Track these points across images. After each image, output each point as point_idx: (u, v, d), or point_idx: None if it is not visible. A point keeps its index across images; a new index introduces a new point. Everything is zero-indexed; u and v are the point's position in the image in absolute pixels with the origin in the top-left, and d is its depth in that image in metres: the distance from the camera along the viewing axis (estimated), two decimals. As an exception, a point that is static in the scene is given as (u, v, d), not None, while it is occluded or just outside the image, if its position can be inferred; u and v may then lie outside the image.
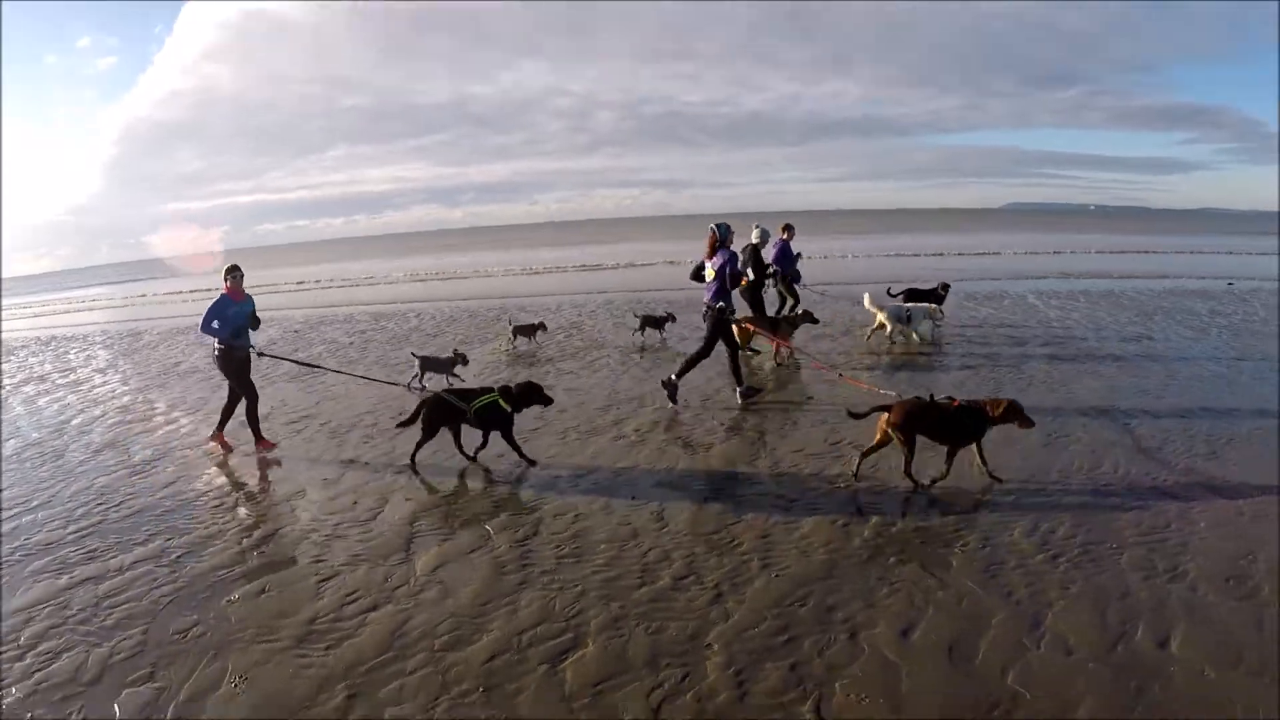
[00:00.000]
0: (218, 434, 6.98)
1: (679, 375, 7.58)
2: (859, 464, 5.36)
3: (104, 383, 10.85)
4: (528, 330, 11.26)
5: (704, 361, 7.62)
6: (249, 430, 6.88)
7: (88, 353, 14.39)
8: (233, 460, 6.66)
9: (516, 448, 5.97)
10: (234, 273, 6.70)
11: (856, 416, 5.36)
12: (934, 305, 10.56)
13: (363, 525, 4.93)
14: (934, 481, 5.09)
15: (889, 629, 3.44)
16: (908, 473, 5.08)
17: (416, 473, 5.89)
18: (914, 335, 10.16)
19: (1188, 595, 3.68)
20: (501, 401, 5.88)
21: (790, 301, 10.80)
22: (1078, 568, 3.98)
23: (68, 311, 29.29)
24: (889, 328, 10.14)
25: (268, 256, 68.00)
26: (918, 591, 3.76)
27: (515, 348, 11.21)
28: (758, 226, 9.56)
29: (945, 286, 11.60)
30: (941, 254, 29.73)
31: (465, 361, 9.08)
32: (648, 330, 11.19)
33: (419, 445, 6.01)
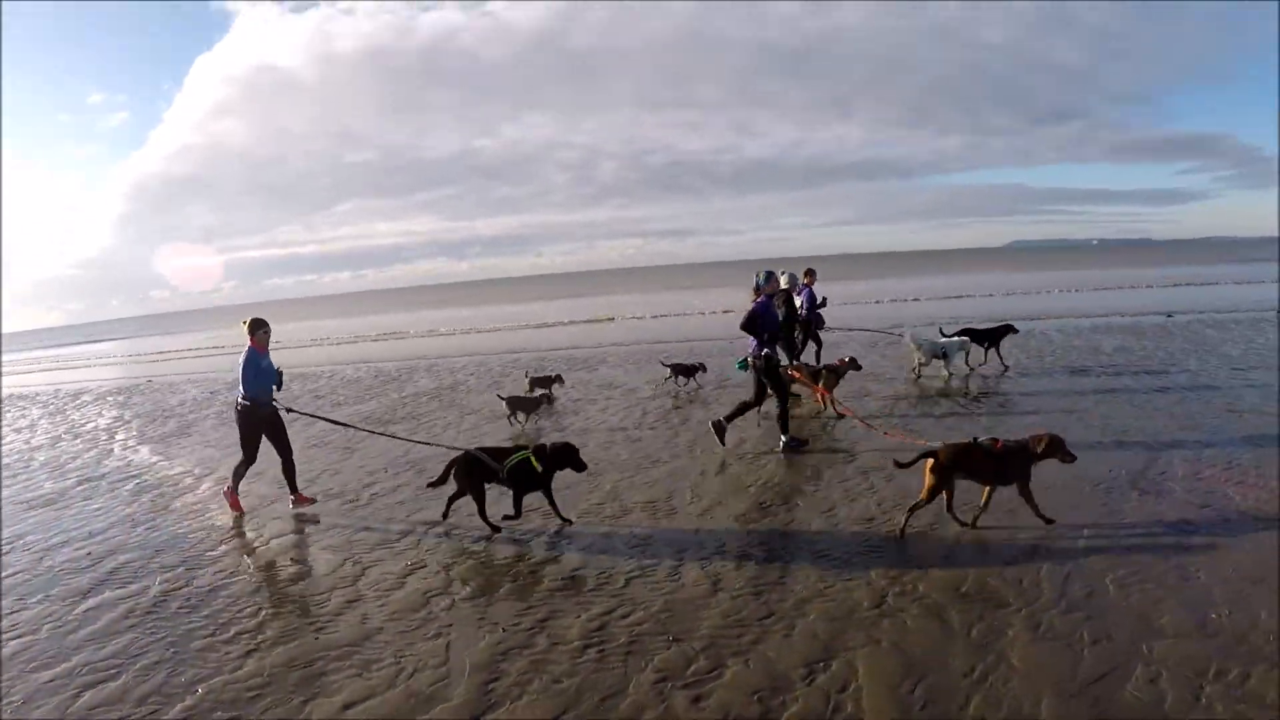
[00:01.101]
0: (297, 494, 6.84)
1: (729, 419, 7.87)
2: (907, 515, 5.16)
3: (10, 442, 11.96)
4: (544, 383, 11.11)
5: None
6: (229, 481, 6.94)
7: (23, 412, 15.68)
8: (68, 511, 7.44)
9: (518, 505, 5.78)
10: (262, 327, 6.57)
11: (903, 466, 5.21)
12: (963, 339, 10.79)
13: (79, 571, 5.70)
14: (976, 518, 5.10)
15: (339, 700, 3.63)
16: (911, 510, 5.07)
17: (497, 529, 5.78)
18: (949, 369, 10.69)
19: (681, 708, 3.36)
20: (533, 459, 5.68)
21: (815, 348, 10.96)
22: (600, 661, 3.77)
23: (44, 370, 31.11)
24: (927, 363, 10.74)
25: (267, 312, 68.86)
26: (410, 666, 3.89)
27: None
28: (785, 273, 9.68)
29: (1007, 328, 11.37)
30: (895, 299, 30.00)
31: (551, 401, 10.07)
32: (680, 379, 11.28)
33: (480, 507, 5.79)
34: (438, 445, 7.36)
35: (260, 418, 6.56)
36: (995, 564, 4.57)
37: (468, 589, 4.85)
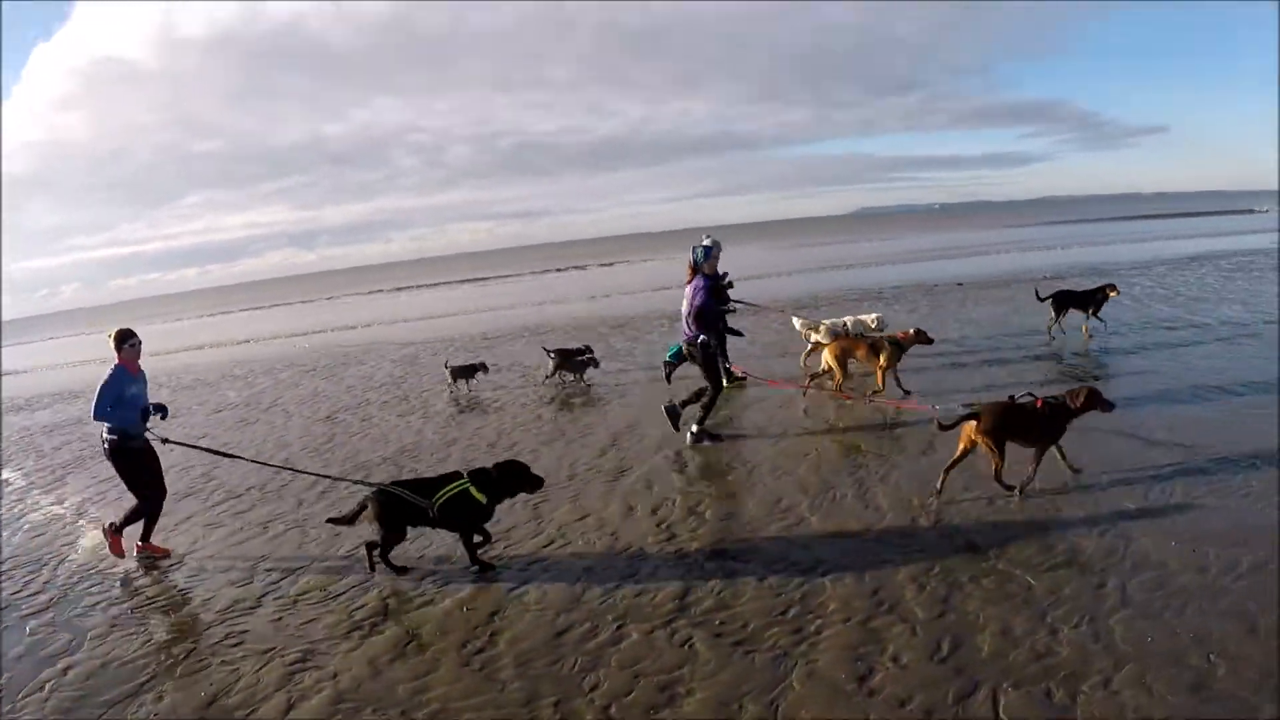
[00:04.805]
0: (147, 543, 5.48)
1: (684, 404, 6.95)
2: (943, 480, 5.07)
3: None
4: (466, 372, 10.27)
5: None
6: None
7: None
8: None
9: (471, 551, 4.60)
10: (129, 339, 5.20)
11: (945, 428, 5.04)
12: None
13: None
14: (1022, 487, 4.91)
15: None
16: (999, 479, 4.88)
17: (401, 570, 4.68)
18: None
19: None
20: (474, 490, 4.43)
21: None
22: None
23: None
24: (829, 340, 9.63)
25: (100, 316, 58.32)
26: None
27: (455, 391, 10.25)
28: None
29: (1111, 288, 10.06)
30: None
31: (597, 364, 9.71)
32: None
33: (384, 547, 4.60)
34: (349, 480, 5.87)
35: (137, 450, 5.21)
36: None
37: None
